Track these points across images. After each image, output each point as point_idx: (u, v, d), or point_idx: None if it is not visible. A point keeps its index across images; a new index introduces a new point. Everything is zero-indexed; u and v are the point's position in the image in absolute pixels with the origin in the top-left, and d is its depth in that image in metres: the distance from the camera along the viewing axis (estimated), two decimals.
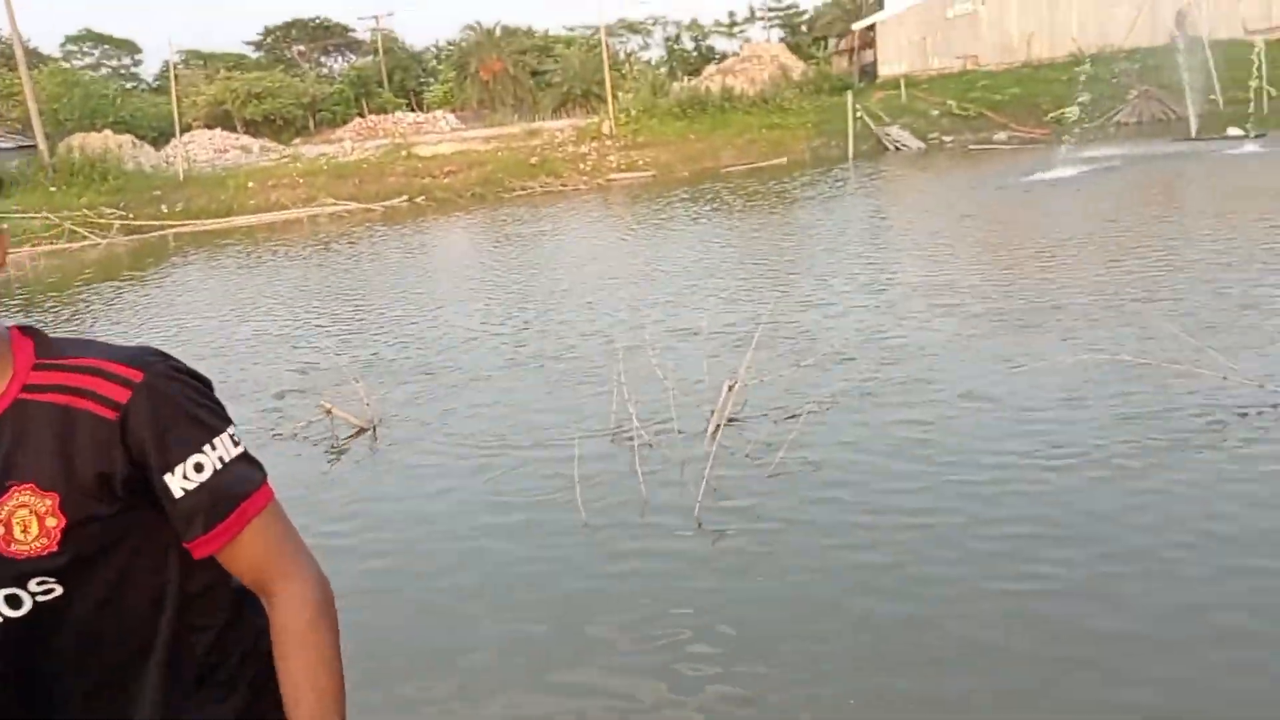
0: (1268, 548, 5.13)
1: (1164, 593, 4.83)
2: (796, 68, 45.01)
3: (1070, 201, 18.43)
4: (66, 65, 61.70)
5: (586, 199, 29.42)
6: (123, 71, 72.33)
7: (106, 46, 71.00)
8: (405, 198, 33.53)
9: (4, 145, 41.43)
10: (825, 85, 41.19)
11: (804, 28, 71.09)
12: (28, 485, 1.40)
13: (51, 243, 29.33)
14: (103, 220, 31.24)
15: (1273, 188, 17.20)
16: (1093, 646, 4.43)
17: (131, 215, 32.08)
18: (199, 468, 1.50)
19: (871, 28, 45.29)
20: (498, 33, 66.74)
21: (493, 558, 6.02)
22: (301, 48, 74.78)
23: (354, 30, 76.27)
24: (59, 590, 1.47)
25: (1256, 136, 24.72)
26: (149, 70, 72.26)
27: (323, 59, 77.25)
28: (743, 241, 18.20)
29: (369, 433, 8.63)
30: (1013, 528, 5.63)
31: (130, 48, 71.90)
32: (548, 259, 18.45)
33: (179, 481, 1.49)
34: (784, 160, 34.21)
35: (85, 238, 29.86)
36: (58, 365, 1.46)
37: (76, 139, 39.55)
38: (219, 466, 1.52)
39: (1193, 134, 27.14)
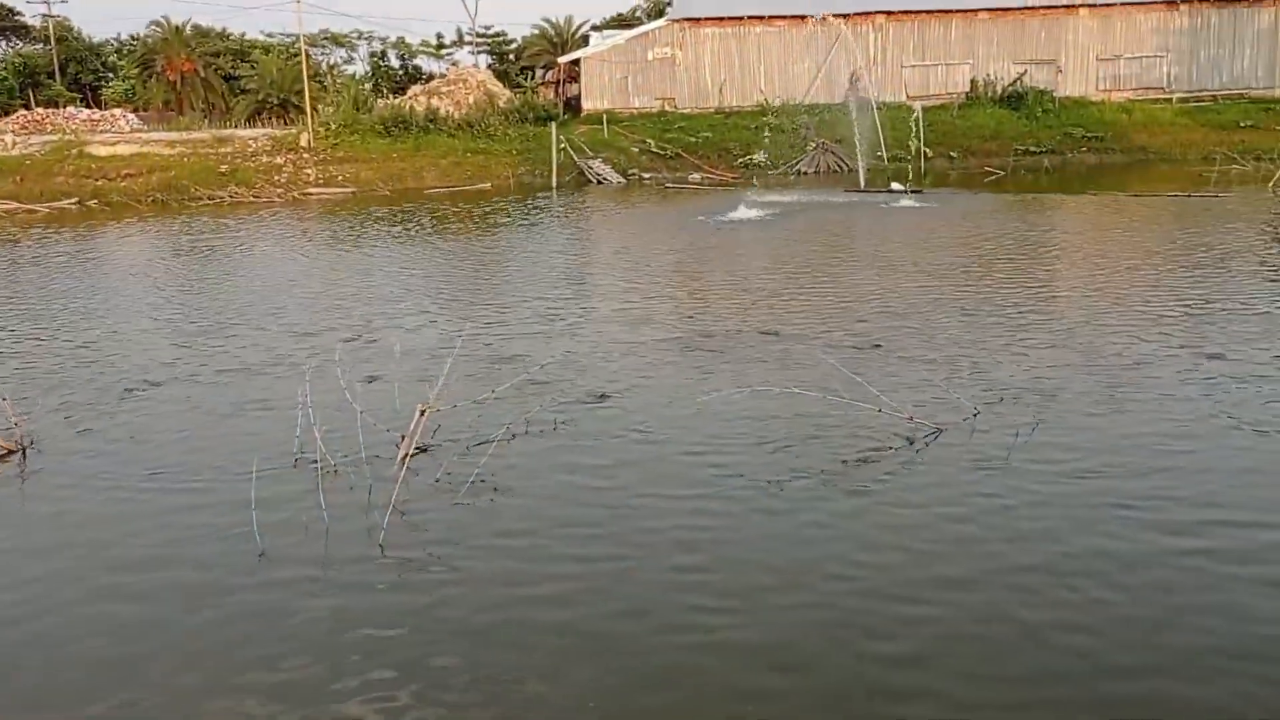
0: (906, 571, 5.77)
1: (811, 610, 5.32)
2: (503, 95, 45.44)
3: (755, 240, 19.77)
4: None
5: (280, 212, 28.26)
6: None
7: None
8: (75, 200, 30.85)
9: None
10: (530, 114, 41.82)
11: (512, 56, 72.01)
12: None
13: None
14: None
15: (922, 238, 19.24)
16: (736, 659, 4.81)
17: None
18: None
19: (577, 62, 46.52)
20: (188, 31, 62.92)
21: (153, 590, 5.69)
22: None
23: (21, 15, 69.37)
24: None
25: (913, 192, 27.53)
26: None
27: None
28: (443, 264, 18.16)
29: (18, 455, 7.90)
30: (685, 557, 5.98)
31: None
32: (233, 273, 17.56)
33: None
34: (488, 185, 34.42)
35: None
36: None
37: None
38: None
39: (862, 185, 29.83)
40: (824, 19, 40.93)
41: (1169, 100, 43.06)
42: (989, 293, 13.36)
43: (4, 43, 71.13)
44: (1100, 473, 6.94)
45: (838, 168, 35.89)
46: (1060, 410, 8.26)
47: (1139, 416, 8.07)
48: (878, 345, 10.64)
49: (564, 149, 36.19)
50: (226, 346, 11.59)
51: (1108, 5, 44.25)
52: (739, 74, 44.68)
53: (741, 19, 44.39)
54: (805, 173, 35.96)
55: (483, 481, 7.02)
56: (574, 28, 67.29)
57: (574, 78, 48.78)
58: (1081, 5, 44.24)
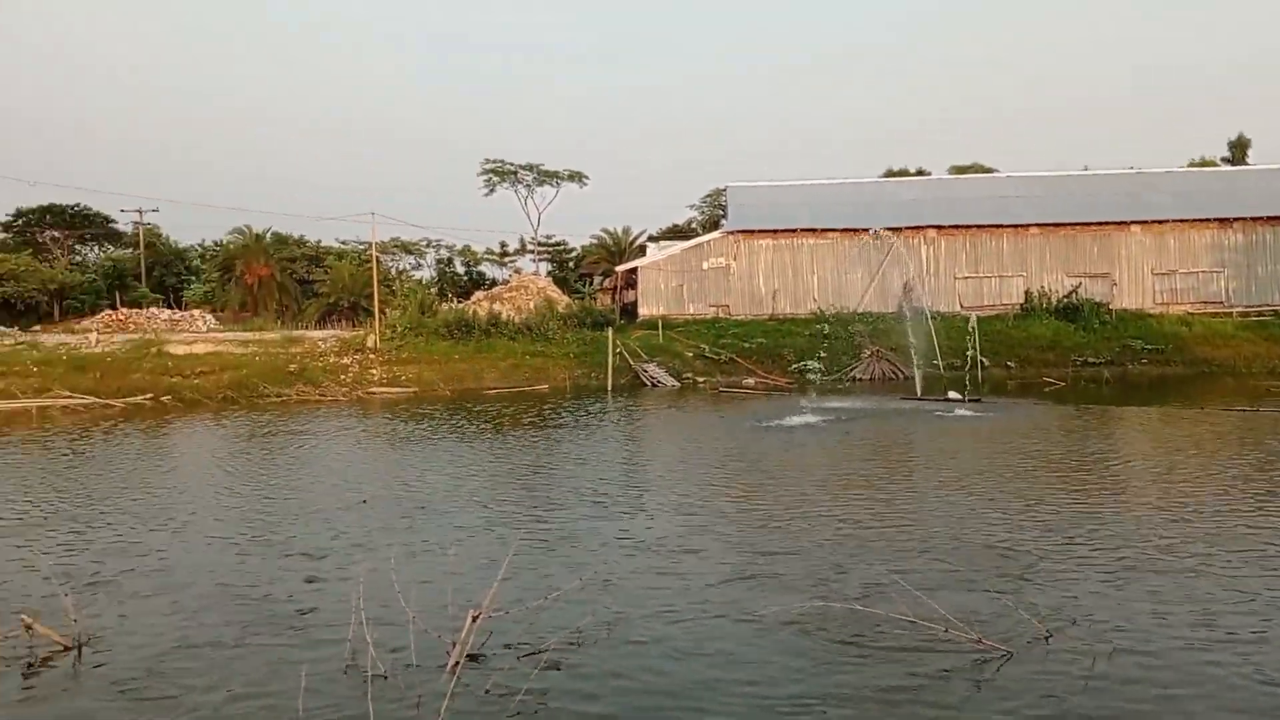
0: None
1: None
2: (562, 300, 47.00)
3: (812, 446, 19.74)
4: None
5: (344, 410, 28.92)
6: None
7: None
8: (150, 395, 31.87)
9: None
10: (588, 319, 43.05)
11: (571, 263, 74.74)
12: None
13: None
14: None
15: (981, 447, 19.09)
16: None
17: None
18: None
19: (634, 270, 48.13)
20: (268, 239, 66.32)
21: None
22: (55, 234, 71.47)
23: (115, 222, 73.83)
24: None
25: (971, 400, 27.50)
26: None
27: (78, 247, 74.00)
28: (498, 464, 18.31)
29: (74, 652, 7.90)
30: None
31: None
32: (296, 472, 17.84)
33: None
34: (545, 387, 35.06)
35: None
36: None
37: None
38: None
39: (918, 394, 29.91)
40: (877, 233, 42.17)
41: (1229, 314, 43.16)
42: (1062, 506, 13.10)
43: (97, 247, 75.43)
44: (1185, 709, 6.60)
45: (893, 375, 36.12)
46: (1138, 636, 7.94)
47: (1229, 649, 7.72)
48: (941, 559, 10.41)
49: (620, 353, 36.98)
50: (286, 544, 11.66)
51: (1160, 222, 45.09)
52: (792, 282, 45.83)
53: (794, 231, 45.90)
54: (860, 379, 36.23)
55: (530, 694, 6.86)
56: (631, 237, 69.97)
57: (631, 285, 50.35)
58: (1134, 222, 45.15)
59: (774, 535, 11.78)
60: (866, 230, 43.12)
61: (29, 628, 8.00)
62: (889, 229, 43.00)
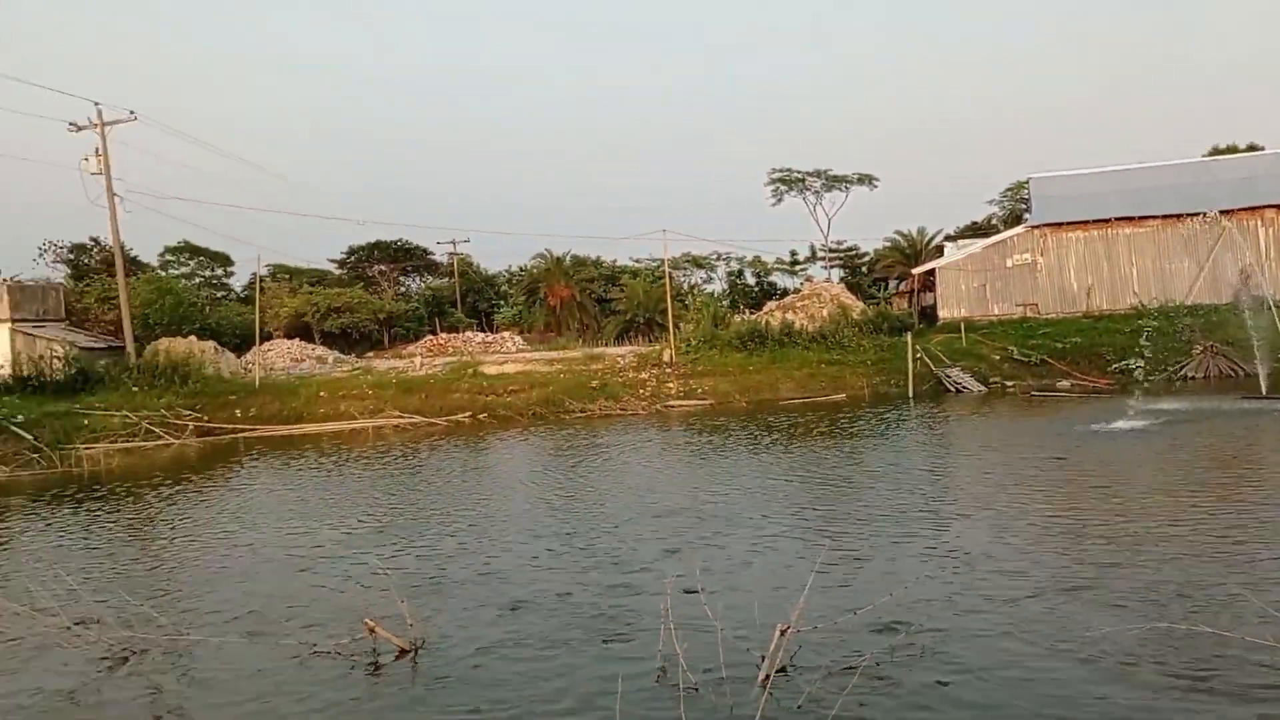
0: None
1: None
2: (856, 306, 46.08)
3: (1142, 453, 18.15)
4: (163, 274, 65.26)
5: (644, 424, 29.70)
6: (214, 281, 76.18)
7: (202, 258, 75.11)
8: (469, 414, 34.13)
9: (96, 345, 43.36)
10: (885, 325, 41.95)
11: (864, 269, 73.25)
12: None
13: (128, 440, 30.11)
14: (179, 421, 32.13)
15: None
16: None
17: (206, 418, 32.97)
18: None
19: (931, 272, 46.44)
20: (567, 261, 69.57)
21: None
22: (382, 267, 78.42)
23: (433, 254, 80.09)
24: None
25: None
26: (239, 281, 76.07)
27: (401, 279, 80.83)
28: (798, 475, 18.09)
29: (410, 655, 8.45)
30: None
31: (223, 260, 75.96)
32: (602, 483, 18.44)
33: None
34: (843, 396, 34.45)
35: (160, 437, 30.64)
36: None
37: (163, 343, 41.32)
38: None
39: (1263, 392, 26.88)
40: (1207, 217, 38.37)
41: None
42: None
43: (418, 278, 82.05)
44: None
45: (1230, 372, 32.67)
46: None
47: None
48: None
49: (920, 358, 35.73)
50: (597, 553, 12.02)
51: None
52: (1108, 276, 42.65)
53: (1108, 221, 42.71)
54: (1192, 378, 33.05)
55: (845, 713, 6.60)
56: (926, 238, 67.70)
57: (929, 287, 48.66)
58: None
59: (1101, 549, 10.85)
60: (1191, 216, 39.39)
61: (372, 631, 8.63)
62: (1222, 211, 39.05)
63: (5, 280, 45.20)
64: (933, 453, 20.82)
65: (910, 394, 33.65)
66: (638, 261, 72.36)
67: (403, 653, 8.52)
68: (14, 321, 42.75)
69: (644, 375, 37.77)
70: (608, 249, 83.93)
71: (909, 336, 36.92)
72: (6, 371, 36.97)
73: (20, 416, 29.73)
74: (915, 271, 51.24)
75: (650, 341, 49.20)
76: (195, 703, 7.86)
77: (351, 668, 8.29)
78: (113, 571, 12.71)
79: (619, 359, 40.56)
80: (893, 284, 65.75)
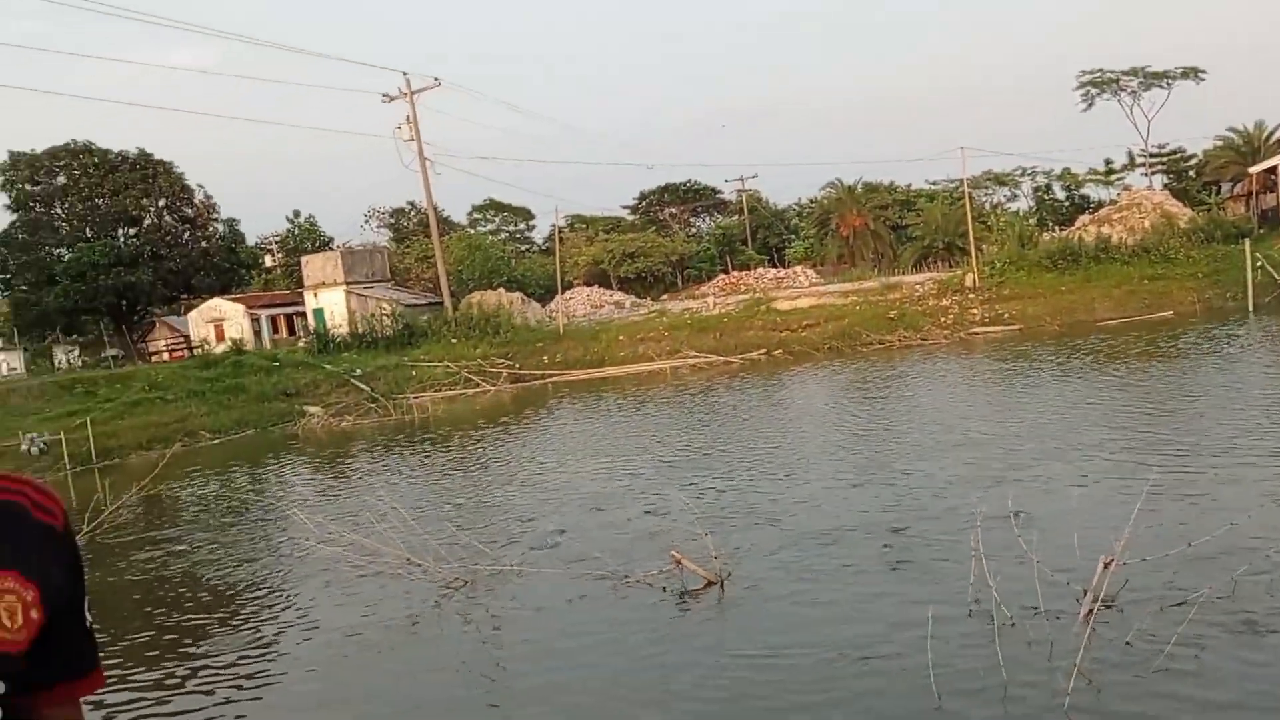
0: None
1: None
2: (1183, 215, 41.91)
3: None
4: (472, 231, 69.80)
5: (946, 353, 28.61)
6: (518, 235, 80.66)
7: (506, 214, 79.65)
8: (763, 350, 34.25)
9: (418, 302, 47.15)
10: (1217, 233, 37.90)
11: (1191, 173, 66.50)
12: (10, 573, 1.29)
13: (450, 388, 32.61)
14: (493, 369, 34.40)
15: None
16: None
17: (518, 365, 35.10)
18: (89, 609, 1.44)
19: (1273, 170, 41.45)
20: (859, 189, 67.82)
21: None
22: (673, 210, 79.84)
23: (721, 192, 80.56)
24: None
25: None
26: (540, 234, 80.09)
27: (692, 220, 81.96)
28: (1119, 401, 16.78)
29: (716, 587, 8.59)
30: None
31: (525, 215, 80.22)
32: (904, 415, 17.94)
33: (86, 613, 1.42)
34: (1169, 313, 31.58)
35: (478, 385, 32.95)
36: None
37: (475, 296, 44.27)
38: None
39: None
40: None
41: None
42: None
43: (708, 218, 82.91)
44: None
45: None
46: None
47: None
48: None
49: (1261, 266, 32.03)
50: (898, 492, 11.71)
51: None
52: None
53: None
54: None
55: (1180, 649, 6.06)
56: (1265, 133, 60.37)
57: (1269, 188, 43.55)
58: None
59: None
60: None
61: (679, 563, 8.85)
62: None
63: (339, 247, 49.90)
64: (1277, 374, 18.68)
65: (1249, 307, 30.34)
66: (934, 184, 69.44)
67: (709, 584, 8.67)
68: (348, 284, 47.16)
69: (945, 302, 36.36)
70: (901, 173, 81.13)
71: (1246, 244, 33.17)
72: (345, 330, 40.95)
73: (358, 370, 32.88)
74: (1253, 171, 45.91)
75: (950, 267, 47.17)
76: (519, 628, 8.39)
77: (660, 599, 8.54)
78: (444, 506, 13.81)
79: (917, 287, 39.23)
80: (1226, 187, 59.27)
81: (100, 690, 1.47)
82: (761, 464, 14.36)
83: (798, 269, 58.18)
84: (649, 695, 6.64)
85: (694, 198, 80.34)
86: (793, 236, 76.44)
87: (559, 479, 15.12)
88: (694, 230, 79.90)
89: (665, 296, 55.85)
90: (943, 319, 34.80)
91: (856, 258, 62.91)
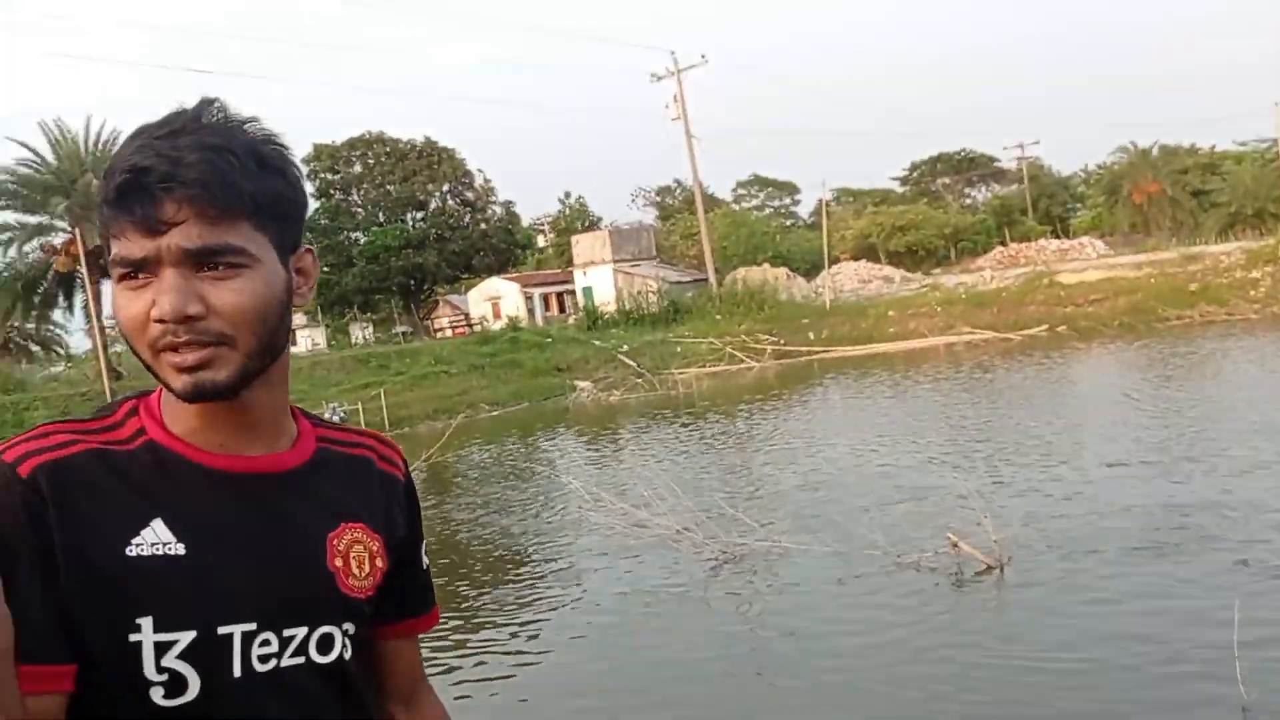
0: None
1: None
2: None
3: None
4: (736, 207, 70.02)
5: (1259, 330, 25.91)
6: (782, 210, 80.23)
7: (770, 189, 79.36)
8: (1045, 326, 32.31)
9: (683, 278, 47.86)
10: None
11: None
12: (359, 524, 1.36)
13: (714, 365, 32.88)
14: (757, 345, 34.37)
15: None
16: None
17: (782, 341, 34.89)
18: (426, 552, 1.53)
19: None
20: (1155, 153, 62.68)
21: None
22: (946, 180, 76.79)
23: (999, 160, 76.70)
24: (350, 649, 1.32)
25: None
26: (805, 208, 79.27)
27: (966, 190, 78.55)
28: None
29: (996, 571, 8.14)
30: None
31: (790, 189, 79.66)
32: (1204, 396, 16.39)
33: (423, 556, 1.51)
34: None
35: (741, 361, 33.03)
36: (329, 426, 1.45)
37: (740, 272, 44.41)
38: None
39: None
40: None
41: None
42: None
43: (985, 188, 79.23)
44: None
45: None
46: None
47: None
48: None
49: None
50: (1193, 478, 10.69)
51: None
52: None
53: None
54: None
55: None
56: None
57: None
58: None
59: None
60: None
61: (955, 545, 8.45)
62: None
63: (607, 226, 51.38)
64: None
65: None
66: (1242, 145, 63.16)
67: (988, 569, 8.23)
68: (615, 262, 48.52)
69: (1255, 274, 32.96)
70: (1204, 133, 74.23)
71: None
72: (612, 307, 42.19)
73: (625, 346, 33.78)
74: None
75: (1262, 235, 42.79)
76: (787, 606, 8.27)
77: (935, 582, 8.18)
78: (711, 480, 13.89)
79: (1222, 258, 35.79)
80: None
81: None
82: (1044, 444, 13.53)
83: (1084, 240, 54.69)
84: (934, 689, 6.33)
85: (969, 167, 76.96)
86: (1078, 205, 71.79)
87: (826, 456, 14.86)
88: (969, 201, 76.59)
89: (937, 270, 53.92)
90: (1253, 292, 31.59)
91: (1151, 227, 58.29)
